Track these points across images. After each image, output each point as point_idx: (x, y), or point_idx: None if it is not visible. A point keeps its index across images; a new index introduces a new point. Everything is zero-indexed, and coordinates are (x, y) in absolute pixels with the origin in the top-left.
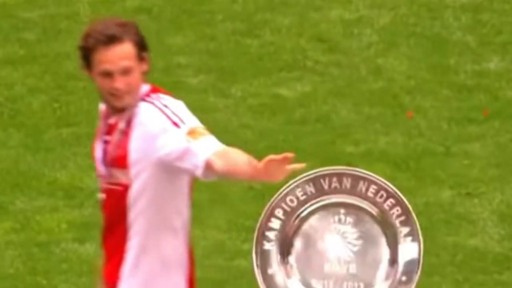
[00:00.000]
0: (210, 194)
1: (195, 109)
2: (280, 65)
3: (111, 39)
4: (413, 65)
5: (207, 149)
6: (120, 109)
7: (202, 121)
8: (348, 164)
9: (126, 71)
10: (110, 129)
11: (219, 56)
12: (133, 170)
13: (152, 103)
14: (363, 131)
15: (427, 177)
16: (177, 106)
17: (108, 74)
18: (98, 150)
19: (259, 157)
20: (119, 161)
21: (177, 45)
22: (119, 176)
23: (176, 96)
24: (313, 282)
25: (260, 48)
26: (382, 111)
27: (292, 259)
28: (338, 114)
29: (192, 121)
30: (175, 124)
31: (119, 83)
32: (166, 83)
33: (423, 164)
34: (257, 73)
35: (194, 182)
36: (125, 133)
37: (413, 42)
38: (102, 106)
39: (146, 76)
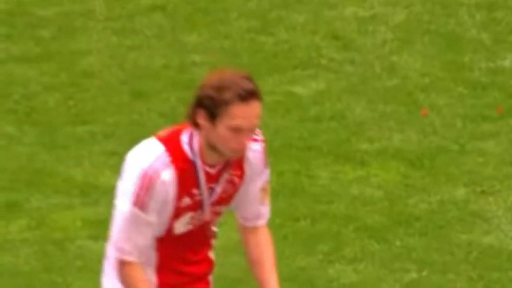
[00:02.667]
0: None
1: None
2: (294, 62)
3: (251, 95)
4: (428, 63)
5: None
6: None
7: None
8: (363, 162)
9: (254, 129)
10: (213, 177)
11: (234, 54)
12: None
13: (260, 142)
14: (377, 129)
15: (441, 174)
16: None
17: (239, 130)
18: (202, 200)
19: (274, 155)
20: (227, 199)
21: (192, 43)
22: (220, 210)
23: (191, 94)
24: None
25: (275, 46)
26: (396, 108)
27: None
28: (352, 111)
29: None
30: (265, 164)
31: (248, 140)
32: (181, 81)
33: (437, 162)
34: (272, 70)
35: None
36: (237, 174)
37: (428, 40)
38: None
39: (161, 74)
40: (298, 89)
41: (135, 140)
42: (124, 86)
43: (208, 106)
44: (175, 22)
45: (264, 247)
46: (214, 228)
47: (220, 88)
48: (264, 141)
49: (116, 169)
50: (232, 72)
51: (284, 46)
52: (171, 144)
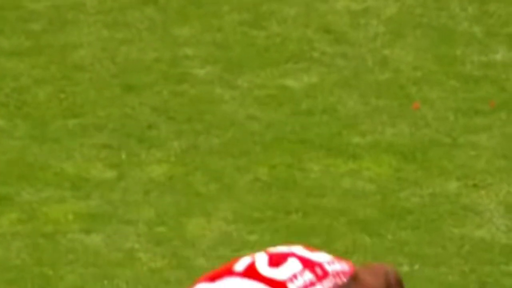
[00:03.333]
0: (216, 185)
1: (201, 100)
2: (286, 56)
3: None
4: (420, 56)
5: None
6: None
7: (209, 112)
8: (355, 156)
9: None
10: None
11: (226, 47)
12: None
13: None
14: (369, 122)
15: (433, 168)
16: None
17: None
18: None
19: (266, 148)
20: None
21: (184, 36)
22: None
23: (183, 87)
24: None
25: (267, 39)
26: (388, 102)
27: None
28: (344, 105)
29: None
30: None
31: None
32: (173, 75)
33: (429, 155)
34: (264, 64)
35: (201, 174)
36: None
37: (420, 33)
38: None
39: (153, 68)
40: (290, 83)
41: (126, 134)
42: (116, 79)
43: None
44: (166, 15)
45: None
46: None
47: None
48: None
49: (108, 163)
50: (385, 279)
51: (276, 39)
52: None
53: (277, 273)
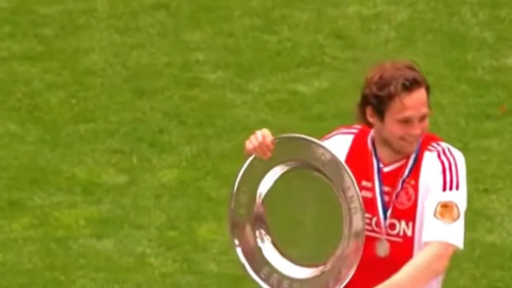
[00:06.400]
0: (227, 189)
1: (212, 105)
2: (297, 61)
3: (414, 84)
4: (431, 61)
5: (454, 237)
6: (406, 154)
7: (220, 117)
8: None
9: (423, 117)
10: (386, 178)
11: (237, 52)
12: (418, 223)
13: (438, 153)
14: None
15: None
16: (459, 164)
17: (407, 121)
18: (373, 199)
19: None
20: (402, 213)
21: (195, 41)
22: (396, 226)
23: (194, 92)
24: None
25: (278, 44)
26: None
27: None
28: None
29: (462, 192)
30: (445, 186)
31: (418, 129)
32: (184, 79)
33: None
34: (275, 69)
35: (213, 178)
36: (411, 184)
37: (431, 38)
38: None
39: (164, 72)
40: (302, 87)
41: (138, 138)
42: (127, 84)
43: (374, 103)
44: (178, 20)
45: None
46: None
47: (383, 84)
48: (447, 157)
49: (119, 167)
50: (393, 65)
51: (287, 44)
52: (361, 131)
53: None
